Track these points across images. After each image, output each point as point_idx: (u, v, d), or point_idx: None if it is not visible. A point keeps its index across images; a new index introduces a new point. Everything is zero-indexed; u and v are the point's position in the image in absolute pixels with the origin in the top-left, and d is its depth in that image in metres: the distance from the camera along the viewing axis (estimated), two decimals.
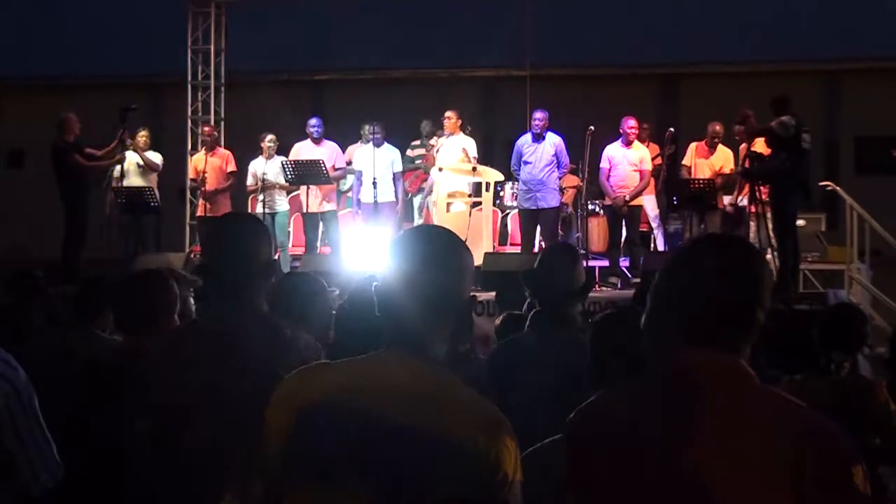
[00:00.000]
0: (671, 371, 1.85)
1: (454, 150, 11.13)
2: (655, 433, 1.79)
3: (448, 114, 11.35)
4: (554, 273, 3.84)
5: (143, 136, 11.82)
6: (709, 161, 11.19)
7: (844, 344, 4.20)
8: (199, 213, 12.13)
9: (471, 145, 11.35)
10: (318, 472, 1.87)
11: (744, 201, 10.59)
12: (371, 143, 11.42)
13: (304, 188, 11.40)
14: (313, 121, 11.78)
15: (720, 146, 11.24)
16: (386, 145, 11.63)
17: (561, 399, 3.58)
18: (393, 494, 1.83)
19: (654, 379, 1.87)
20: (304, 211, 11.52)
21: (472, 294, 2.06)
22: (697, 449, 1.74)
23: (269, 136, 11.99)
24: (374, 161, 11.21)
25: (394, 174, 11.54)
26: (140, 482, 2.80)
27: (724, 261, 1.89)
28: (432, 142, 11.04)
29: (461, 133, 11.42)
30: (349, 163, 11.82)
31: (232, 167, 12.00)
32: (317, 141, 11.63)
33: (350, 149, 12.07)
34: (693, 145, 11.47)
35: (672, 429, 1.78)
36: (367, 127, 11.77)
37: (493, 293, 8.30)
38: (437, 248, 2.02)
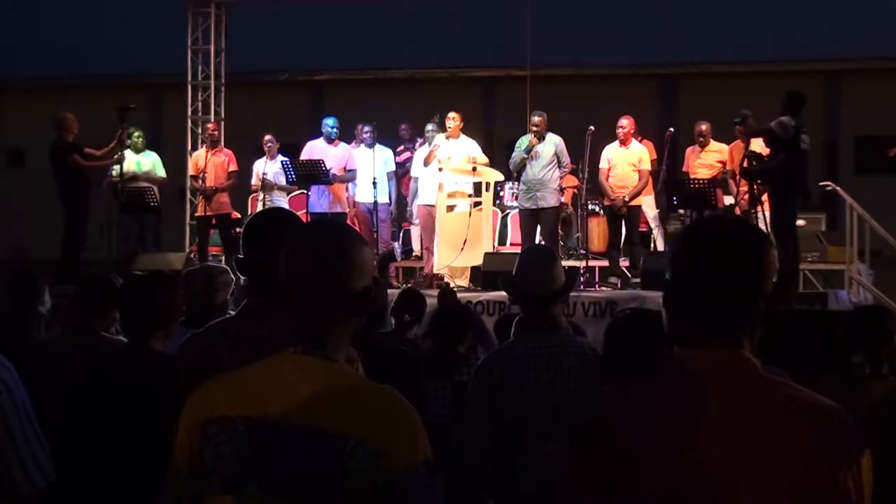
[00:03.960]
0: (671, 369, 1.79)
1: (458, 152, 11.00)
2: (659, 434, 1.72)
3: (452, 115, 11.07)
4: (531, 276, 3.78)
5: (138, 138, 11.86)
6: (701, 160, 11.17)
7: (868, 345, 4.07)
8: (199, 212, 12.09)
9: (475, 148, 11.26)
10: (223, 485, 1.86)
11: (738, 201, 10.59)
12: (363, 143, 11.39)
13: (314, 188, 11.37)
14: (330, 121, 11.68)
15: (712, 142, 11.22)
16: (378, 146, 11.62)
17: (552, 405, 3.59)
18: (296, 498, 1.83)
19: (657, 378, 1.80)
20: (314, 211, 11.43)
21: (365, 286, 1.97)
22: (703, 446, 1.68)
23: (266, 137, 11.98)
24: (372, 161, 11.21)
25: (387, 174, 11.54)
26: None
27: (719, 246, 1.78)
28: (437, 141, 10.96)
29: (463, 136, 11.30)
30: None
31: (234, 167, 11.94)
32: (331, 141, 11.60)
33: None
34: (687, 151, 11.50)
35: (675, 428, 1.71)
36: (359, 127, 11.75)
37: (494, 293, 8.27)
38: (316, 241, 1.99)
